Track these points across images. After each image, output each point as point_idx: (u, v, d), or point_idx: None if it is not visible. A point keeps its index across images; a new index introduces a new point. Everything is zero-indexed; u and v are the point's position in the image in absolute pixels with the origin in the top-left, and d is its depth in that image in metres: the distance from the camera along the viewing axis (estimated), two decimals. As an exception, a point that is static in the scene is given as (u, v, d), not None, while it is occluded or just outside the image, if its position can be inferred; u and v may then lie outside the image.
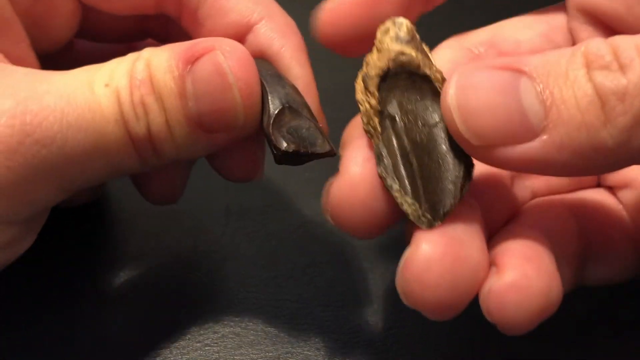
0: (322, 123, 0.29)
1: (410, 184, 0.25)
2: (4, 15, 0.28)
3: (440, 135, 0.26)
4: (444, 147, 0.26)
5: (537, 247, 0.26)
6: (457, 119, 0.24)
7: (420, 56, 0.26)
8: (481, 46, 0.31)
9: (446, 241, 0.24)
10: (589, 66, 0.23)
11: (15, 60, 0.28)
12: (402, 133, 0.26)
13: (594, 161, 0.23)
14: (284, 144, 0.26)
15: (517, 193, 0.29)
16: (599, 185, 0.30)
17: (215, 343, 0.30)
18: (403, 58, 0.26)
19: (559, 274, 0.25)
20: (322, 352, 0.30)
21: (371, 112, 0.26)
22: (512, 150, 0.23)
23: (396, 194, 0.25)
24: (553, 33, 0.31)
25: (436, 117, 0.26)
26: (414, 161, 0.26)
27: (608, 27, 0.29)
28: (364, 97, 0.26)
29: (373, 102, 0.26)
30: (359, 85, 0.27)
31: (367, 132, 0.26)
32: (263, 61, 0.29)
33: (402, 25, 0.27)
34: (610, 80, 0.22)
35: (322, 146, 0.27)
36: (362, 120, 0.26)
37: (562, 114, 0.23)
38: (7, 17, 0.28)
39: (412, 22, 0.28)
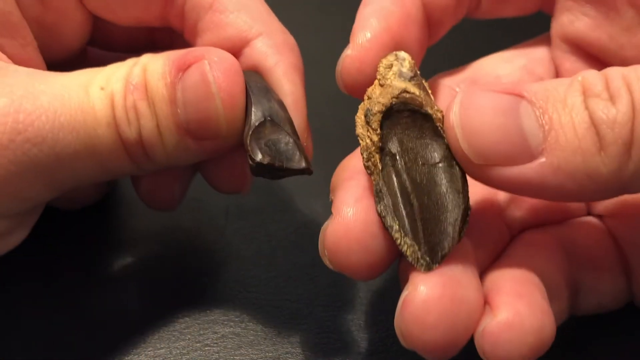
0: (306, 141, 0.29)
1: (410, 224, 0.25)
2: (12, 20, 0.28)
3: (440, 176, 0.26)
4: (443, 188, 0.25)
5: (528, 283, 0.26)
6: (459, 137, 0.24)
7: (422, 94, 0.26)
8: (462, 84, 0.31)
9: (444, 282, 0.25)
10: (585, 94, 0.23)
11: (22, 62, 0.28)
12: (403, 171, 0.26)
13: (587, 187, 0.23)
14: (259, 155, 0.26)
15: (506, 227, 0.29)
16: (588, 214, 0.30)
17: (215, 343, 0.30)
18: (406, 96, 0.26)
19: (551, 309, 0.25)
20: (322, 352, 0.30)
21: (372, 148, 0.26)
22: (510, 171, 0.24)
23: (396, 235, 0.25)
24: (533, 65, 0.31)
25: (436, 157, 0.26)
26: (414, 201, 0.25)
27: (591, 55, 0.30)
28: (365, 132, 0.26)
29: (375, 138, 0.26)
30: (359, 119, 0.27)
31: (366, 168, 0.26)
32: (254, 74, 0.29)
33: (405, 60, 0.27)
34: (601, 109, 0.23)
35: (298, 162, 0.27)
36: (362, 156, 0.26)
37: (559, 139, 0.23)
38: (15, 21, 0.28)
39: (420, 57, 0.28)
